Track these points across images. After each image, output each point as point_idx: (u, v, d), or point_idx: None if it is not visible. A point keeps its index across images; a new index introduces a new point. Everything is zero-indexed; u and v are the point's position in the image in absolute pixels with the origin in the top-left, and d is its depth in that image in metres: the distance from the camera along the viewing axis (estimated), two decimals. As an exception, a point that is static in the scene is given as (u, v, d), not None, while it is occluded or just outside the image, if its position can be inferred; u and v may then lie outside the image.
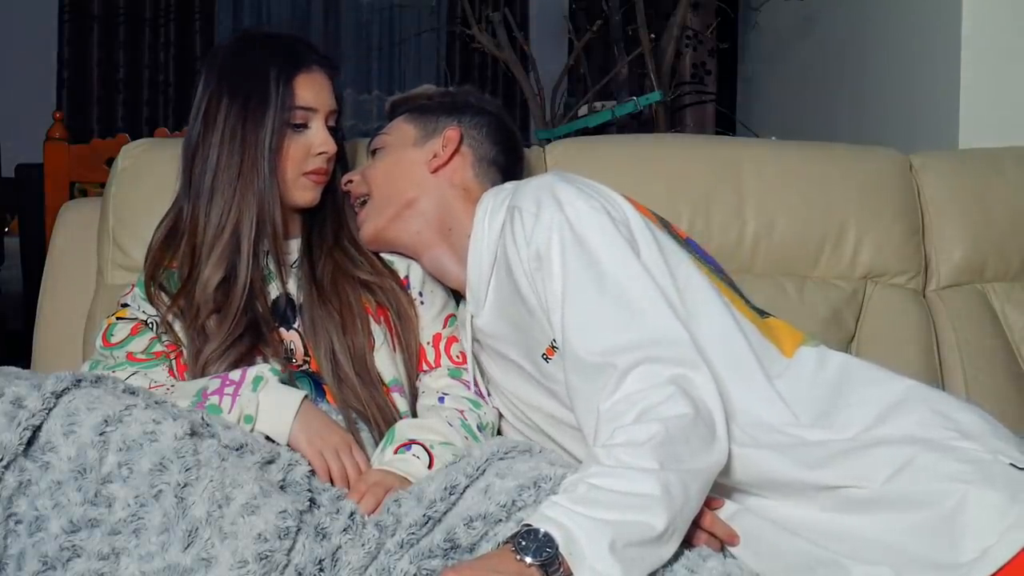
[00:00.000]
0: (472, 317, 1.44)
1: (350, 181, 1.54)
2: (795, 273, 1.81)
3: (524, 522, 1.04)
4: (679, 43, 3.30)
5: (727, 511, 1.21)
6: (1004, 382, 1.78)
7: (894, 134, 2.66)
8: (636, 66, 3.28)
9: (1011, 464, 1.11)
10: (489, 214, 1.41)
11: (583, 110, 3.32)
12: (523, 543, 1.00)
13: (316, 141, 1.46)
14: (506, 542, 1.03)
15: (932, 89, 2.49)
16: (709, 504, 1.18)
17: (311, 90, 1.46)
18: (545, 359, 1.34)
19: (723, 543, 1.19)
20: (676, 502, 1.07)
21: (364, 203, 1.52)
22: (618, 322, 1.21)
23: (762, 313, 1.38)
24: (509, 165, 1.56)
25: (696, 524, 1.15)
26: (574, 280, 1.25)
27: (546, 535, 1.01)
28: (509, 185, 1.46)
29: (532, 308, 1.32)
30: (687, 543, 1.15)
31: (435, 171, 1.49)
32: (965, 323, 1.81)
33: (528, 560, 1.00)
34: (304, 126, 1.46)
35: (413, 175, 1.49)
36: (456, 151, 1.50)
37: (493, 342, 1.43)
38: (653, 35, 3.23)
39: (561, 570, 1.00)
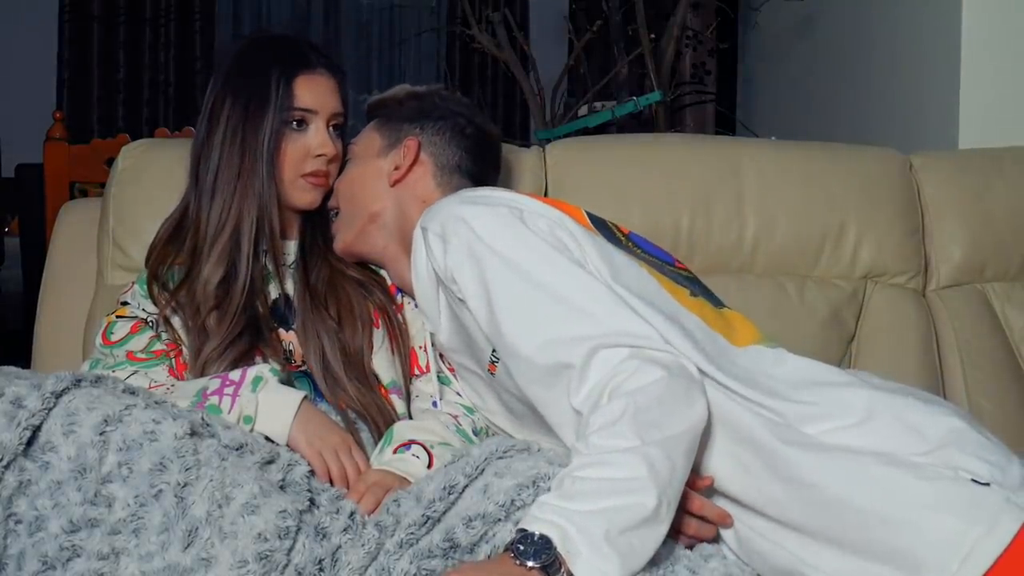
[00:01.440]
0: (431, 335, 1.44)
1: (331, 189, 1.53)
2: (795, 273, 1.81)
3: (519, 526, 1.03)
4: (679, 43, 3.30)
5: (731, 534, 1.21)
6: (1004, 382, 1.78)
7: (894, 134, 2.66)
8: (636, 66, 3.28)
9: (972, 480, 1.08)
10: (421, 230, 1.37)
11: (583, 110, 3.32)
12: (521, 548, 1.00)
13: (314, 143, 1.46)
14: (505, 549, 1.02)
15: (932, 89, 2.49)
16: (694, 484, 1.17)
17: (311, 92, 1.46)
18: (491, 375, 1.34)
19: (716, 525, 1.18)
20: (663, 475, 1.06)
21: (337, 215, 1.52)
22: (557, 317, 1.20)
23: (718, 304, 1.36)
24: (478, 169, 1.52)
25: (685, 510, 1.15)
26: (500, 290, 1.23)
27: (542, 537, 1.00)
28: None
29: (470, 326, 1.32)
30: (677, 531, 1.15)
31: (394, 184, 1.47)
32: (965, 323, 1.81)
33: (530, 564, 0.99)
34: (303, 127, 1.46)
35: (375, 188, 1.48)
36: (415, 161, 1.47)
37: (454, 356, 1.43)
38: (653, 35, 3.23)
39: (563, 570, 0.99)
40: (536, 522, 1.02)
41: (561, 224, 1.32)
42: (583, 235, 1.31)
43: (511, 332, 1.22)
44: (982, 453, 1.12)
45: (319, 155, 1.47)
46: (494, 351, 1.29)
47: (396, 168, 1.47)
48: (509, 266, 1.24)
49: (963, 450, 1.11)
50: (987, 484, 1.07)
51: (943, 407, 1.21)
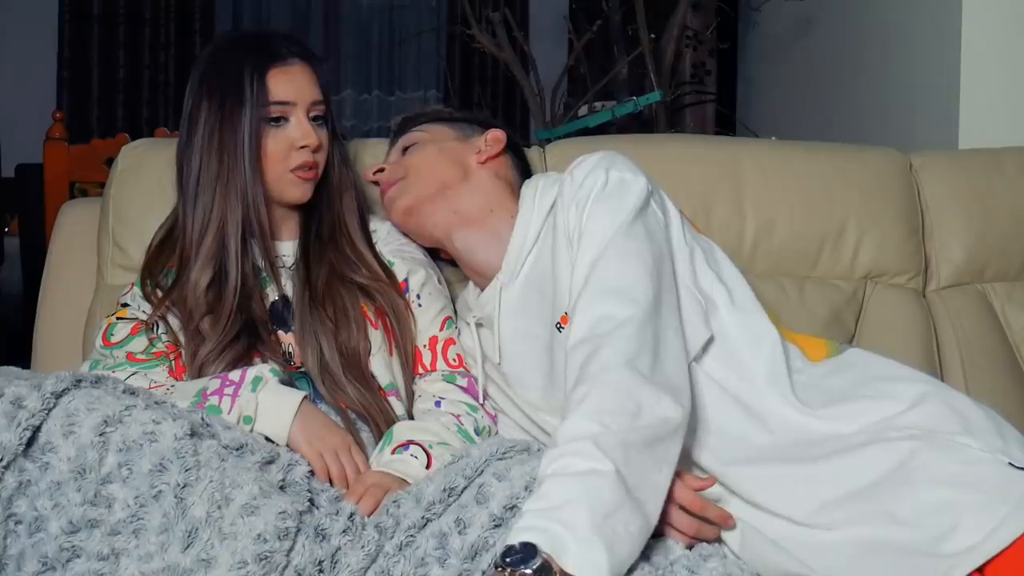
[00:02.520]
0: (501, 287, 1.45)
1: (380, 170, 1.56)
2: (795, 273, 1.81)
3: (505, 543, 1.01)
4: (679, 43, 3.30)
5: (736, 536, 1.22)
6: (1004, 382, 1.78)
7: (894, 134, 2.66)
8: (636, 66, 3.28)
9: (1010, 463, 1.13)
10: (540, 192, 1.46)
11: (583, 110, 3.32)
12: (508, 560, 0.98)
13: (296, 134, 1.44)
14: (497, 567, 1.00)
15: (932, 89, 2.49)
16: (698, 486, 1.19)
17: (286, 83, 1.44)
18: (559, 328, 1.36)
19: (718, 526, 1.20)
20: (615, 436, 1.07)
21: (392, 182, 1.54)
22: (606, 269, 1.26)
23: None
24: (525, 165, 1.63)
25: (687, 511, 1.16)
26: (592, 224, 1.30)
27: (524, 545, 0.98)
28: (556, 173, 1.50)
29: (560, 276, 1.36)
30: (679, 531, 1.15)
31: (484, 162, 1.53)
32: (965, 323, 1.81)
33: (525, 570, 0.97)
34: (283, 120, 1.44)
35: (461, 162, 1.53)
36: (502, 151, 1.55)
37: (515, 316, 1.44)
38: (653, 35, 3.23)
39: (555, 570, 0.98)
40: (518, 532, 1.01)
41: (679, 216, 1.41)
42: (691, 230, 1.42)
43: (581, 255, 1.28)
44: (1020, 443, 1.19)
45: (303, 146, 1.44)
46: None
47: (479, 152, 1.54)
48: (620, 213, 1.30)
49: (1002, 435, 1.19)
50: (1023, 469, 1.13)
51: (983, 404, 1.28)
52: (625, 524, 1.04)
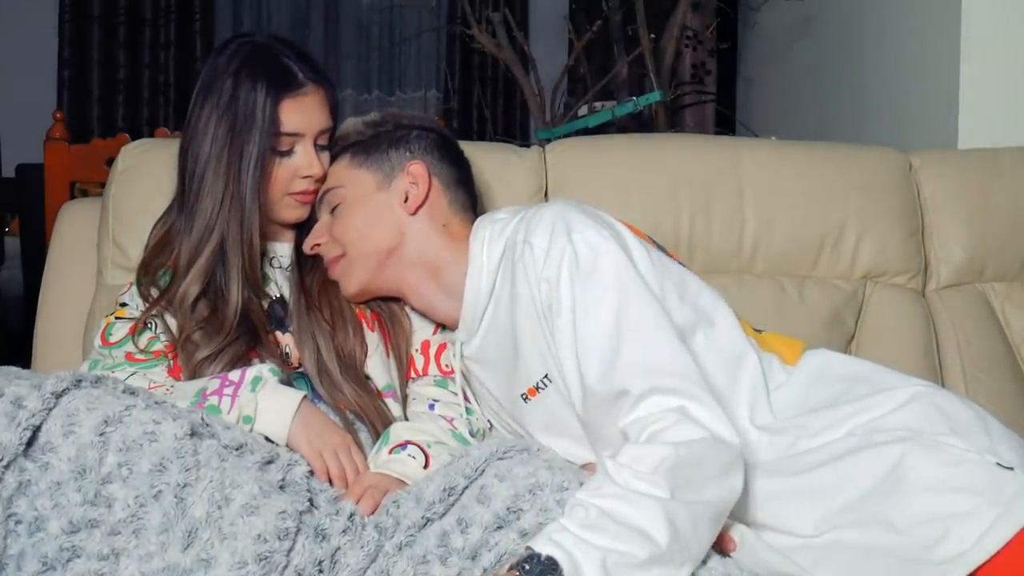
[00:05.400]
0: (461, 343, 1.43)
1: (317, 245, 1.46)
2: (795, 273, 1.81)
3: (529, 544, 1.02)
4: (679, 43, 3.30)
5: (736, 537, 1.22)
6: (1004, 382, 1.78)
7: (894, 134, 2.66)
8: (636, 66, 3.28)
9: (997, 463, 1.13)
10: (487, 244, 1.39)
11: (583, 110, 3.32)
12: (527, 567, 0.99)
13: (302, 164, 1.44)
14: (511, 568, 1.01)
15: (932, 89, 2.49)
16: (723, 545, 1.18)
17: (298, 114, 1.42)
18: (524, 399, 1.35)
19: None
20: (682, 534, 1.06)
21: (335, 259, 1.46)
22: (632, 351, 1.21)
23: (756, 329, 1.41)
24: (464, 176, 1.51)
25: None
26: (584, 311, 1.25)
27: (549, 559, 0.99)
28: (503, 213, 1.44)
29: (523, 347, 1.33)
30: None
31: (415, 212, 1.43)
32: (965, 323, 1.81)
33: None
34: (290, 151, 1.44)
35: (388, 223, 1.43)
36: (430, 186, 1.44)
37: (478, 369, 1.43)
38: (653, 35, 3.23)
39: None
40: (549, 544, 1.01)
41: (642, 251, 1.33)
42: (660, 259, 1.35)
43: (585, 355, 1.23)
44: (1007, 441, 1.19)
45: (305, 176, 1.44)
46: (546, 376, 1.31)
47: (407, 198, 1.43)
48: (600, 287, 1.25)
49: (989, 434, 1.19)
50: (1011, 468, 1.13)
51: (969, 401, 1.29)
52: None
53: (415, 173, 1.44)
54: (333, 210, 1.46)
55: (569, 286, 1.26)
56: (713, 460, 1.12)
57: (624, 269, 1.27)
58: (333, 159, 1.48)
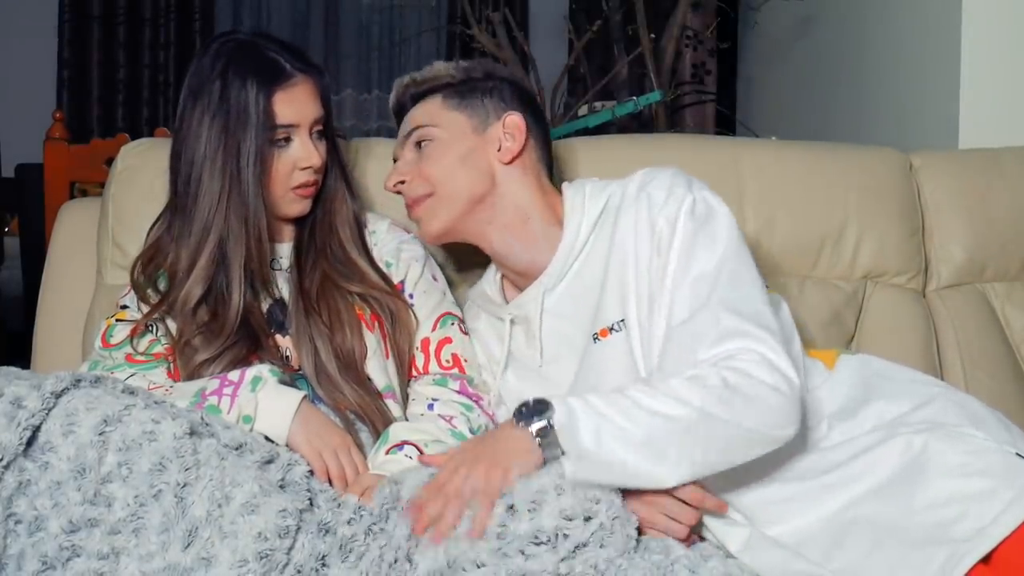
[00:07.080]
0: (544, 290, 1.43)
1: (401, 182, 1.45)
2: (795, 273, 1.81)
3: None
4: (679, 43, 3.30)
5: (741, 537, 1.24)
6: (1004, 382, 1.78)
7: (894, 134, 2.66)
8: (636, 66, 3.28)
9: (1017, 454, 1.17)
10: (588, 198, 1.42)
11: (583, 110, 3.32)
12: (523, 411, 1.15)
13: (300, 155, 1.43)
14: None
15: (932, 89, 2.49)
16: (705, 504, 1.21)
17: (291, 105, 1.41)
18: (595, 339, 1.36)
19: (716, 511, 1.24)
20: (691, 436, 1.14)
21: (419, 199, 1.44)
22: (728, 294, 1.26)
23: None
24: (548, 135, 1.53)
25: (679, 498, 1.19)
26: (692, 252, 1.30)
27: (539, 401, 1.15)
28: (603, 183, 1.46)
29: (609, 288, 1.36)
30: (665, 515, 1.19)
31: (510, 162, 1.43)
32: (965, 323, 1.81)
33: (532, 426, 1.14)
34: (286, 142, 1.43)
35: (484, 167, 1.43)
36: (527, 139, 1.44)
37: (555, 319, 1.43)
38: (653, 35, 3.23)
39: (552, 438, 1.13)
40: (561, 402, 1.14)
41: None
42: None
43: (688, 286, 1.28)
44: None
45: (305, 167, 1.44)
46: (622, 320, 1.34)
47: (500, 147, 1.43)
48: (711, 236, 1.31)
49: (1009, 431, 1.25)
50: None
51: (992, 408, 1.33)
52: (636, 463, 1.13)
53: (512, 125, 1.44)
54: (419, 147, 1.45)
55: (684, 226, 1.31)
56: (770, 403, 1.16)
57: (734, 229, 1.33)
58: (421, 98, 1.48)
